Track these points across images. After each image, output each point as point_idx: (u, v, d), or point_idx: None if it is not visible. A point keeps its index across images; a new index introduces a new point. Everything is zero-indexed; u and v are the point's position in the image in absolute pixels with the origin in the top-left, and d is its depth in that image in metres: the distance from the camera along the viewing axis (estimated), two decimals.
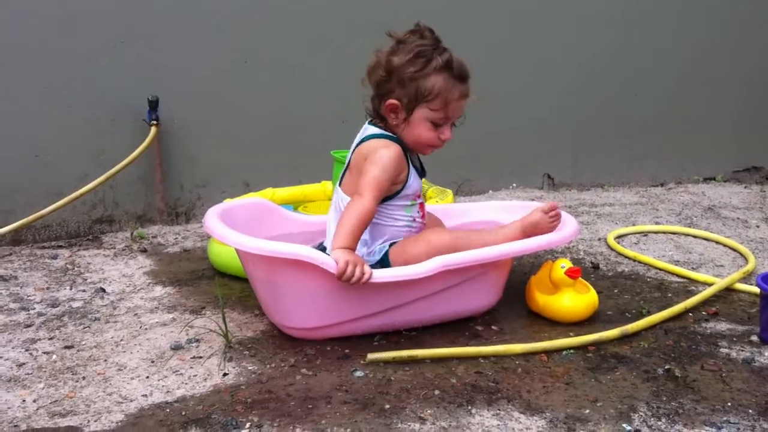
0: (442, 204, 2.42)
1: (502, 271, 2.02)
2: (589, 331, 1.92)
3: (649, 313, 2.03)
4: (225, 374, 1.71)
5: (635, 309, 2.11)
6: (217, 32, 2.89)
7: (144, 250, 2.64)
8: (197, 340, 1.88)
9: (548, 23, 3.35)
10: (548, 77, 3.40)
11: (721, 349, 1.86)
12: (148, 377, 1.70)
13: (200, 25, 2.86)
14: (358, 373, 1.71)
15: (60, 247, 2.69)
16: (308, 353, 1.81)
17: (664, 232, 2.86)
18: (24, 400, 1.60)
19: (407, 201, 1.98)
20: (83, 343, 1.89)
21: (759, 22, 3.61)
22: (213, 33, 2.88)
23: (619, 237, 2.78)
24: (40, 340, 1.91)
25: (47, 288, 2.28)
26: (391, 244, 1.96)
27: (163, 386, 1.66)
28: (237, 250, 1.92)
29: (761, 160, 3.73)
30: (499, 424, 1.51)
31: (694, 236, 2.81)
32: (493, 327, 1.99)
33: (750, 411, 1.56)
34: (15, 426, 1.50)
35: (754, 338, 1.92)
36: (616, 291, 2.26)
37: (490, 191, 3.42)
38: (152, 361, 1.78)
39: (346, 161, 1.99)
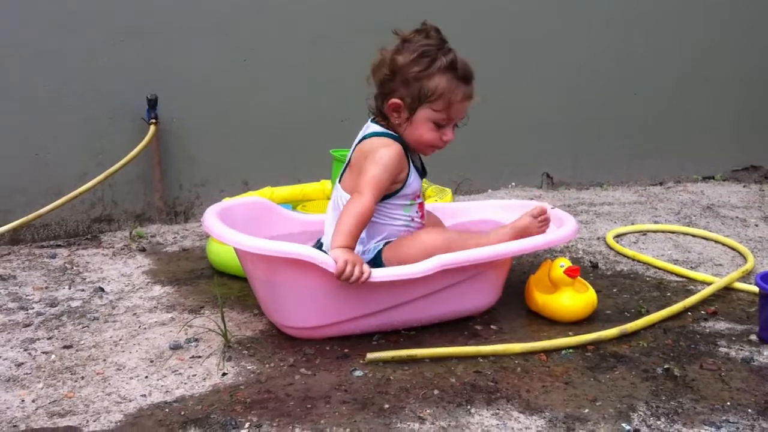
0: (441, 203, 2.42)
1: (501, 270, 2.02)
2: (588, 331, 1.92)
3: (648, 313, 2.04)
4: (224, 374, 1.71)
5: (634, 308, 2.11)
6: (217, 32, 2.89)
7: (143, 250, 2.64)
8: (196, 340, 1.88)
9: (548, 23, 3.35)
10: (548, 76, 3.40)
11: (720, 349, 1.86)
12: (147, 377, 1.70)
13: (200, 25, 2.86)
14: (358, 373, 1.71)
15: (59, 246, 2.68)
16: (307, 353, 1.81)
17: (663, 231, 2.86)
18: (23, 400, 1.60)
19: (406, 200, 1.97)
20: (82, 342, 1.89)
21: (759, 22, 3.61)
22: (213, 33, 2.88)
23: (618, 236, 2.78)
24: (38, 339, 1.91)
25: (46, 287, 2.27)
26: (385, 244, 1.95)
27: (162, 386, 1.66)
28: (236, 250, 1.92)
29: (760, 159, 3.73)
30: (498, 424, 1.51)
31: (693, 235, 2.82)
32: (492, 326, 1.99)
33: (749, 410, 1.56)
34: (14, 426, 1.50)
35: (753, 337, 1.92)
36: (615, 290, 2.26)
37: (490, 190, 3.42)
38: (151, 361, 1.78)
39: (347, 158, 1.99)
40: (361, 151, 1.93)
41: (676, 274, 2.40)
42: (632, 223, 2.95)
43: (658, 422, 1.52)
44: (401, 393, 1.62)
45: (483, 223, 2.26)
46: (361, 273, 1.74)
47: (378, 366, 1.75)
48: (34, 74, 2.67)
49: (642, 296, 2.22)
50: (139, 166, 2.83)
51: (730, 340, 1.91)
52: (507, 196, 3.33)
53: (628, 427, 1.49)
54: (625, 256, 2.57)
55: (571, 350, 1.83)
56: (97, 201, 2.83)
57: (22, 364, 1.77)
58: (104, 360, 1.79)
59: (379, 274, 1.78)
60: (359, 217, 1.83)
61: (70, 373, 1.72)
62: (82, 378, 1.70)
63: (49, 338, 1.91)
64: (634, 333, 1.92)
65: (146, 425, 1.50)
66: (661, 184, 3.62)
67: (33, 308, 2.11)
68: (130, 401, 1.59)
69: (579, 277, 2.02)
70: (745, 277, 2.32)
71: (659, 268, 2.45)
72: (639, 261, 2.52)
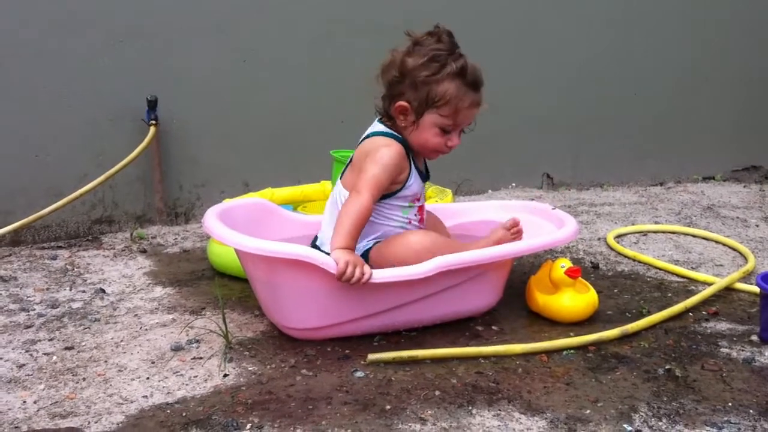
0: (441, 203, 2.42)
1: (502, 271, 2.02)
2: (589, 331, 1.92)
3: (649, 313, 2.04)
4: (225, 375, 1.71)
5: (635, 309, 2.11)
6: (217, 32, 2.89)
7: (143, 251, 2.64)
8: (197, 341, 1.88)
9: (548, 23, 3.36)
10: (548, 77, 3.40)
11: (722, 349, 1.86)
12: (148, 378, 1.70)
13: (200, 25, 2.86)
14: (359, 374, 1.71)
15: (59, 247, 2.68)
16: (308, 354, 1.81)
17: (663, 232, 2.86)
18: (24, 402, 1.60)
19: (405, 202, 1.97)
20: (83, 344, 1.89)
21: (759, 22, 3.61)
22: (213, 33, 2.88)
23: (618, 236, 2.78)
24: (40, 341, 1.91)
25: (47, 289, 2.27)
26: (375, 243, 1.94)
27: (163, 387, 1.66)
28: (236, 251, 1.91)
29: (760, 159, 3.74)
30: (499, 425, 1.50)
31: (694, 236, 2.82)
32: (493, 327, 1.99)
33: (751, 411, 1.56)
34: (16, 427, 1.50)
35: (754, 338, 1.92)
36: (615, 291, 2.26)
37: (490, 191, 3.42)
38: (152, 362, 1.78)
39: (350, 157, 1.99)
40: (362, 150, 1.92)
41: (677, 275, 2.40)
42: (633, 224, 2.95)
43: (660, 423, 1.52)
44: (402, 394, 1.62)
45: (483, 223, 2.25)
46: (362, 274, 1.74)
47: (379, 367, 1.75)
48: (34, 75, 2.67)
49: (643, 297, 2.22)
50: (140, 167, 2.83)
51: (732, 340, 1.91)
52: (507, 197, 3.33)
53: (629, 428, 1.49)
54: (625, 256, 2.57)
55: (572, 351, 1.83)
56: (98, 202, 2.83)
57: (24, 365, 1.77)
58: (105, 361, 1.79)
59: (379, 276, 1.78)
60: (358, 217, 1.82)
61: (72, 375, 1.72)
62: (84, 379, 1.70)
63: (51, 339, 1.91)
64: (636, 333, 1.92)
65: (148, 426, 1.50)
66: (661, 184, 3.62)
67: (34, 310, 2.11)
68: (132, 402, 1.59)
69: (580, 278, 2.02)
70: (745, 278, 2.32)
71: (660, 269, 2.45)
72: (640, 261, 2.52)
